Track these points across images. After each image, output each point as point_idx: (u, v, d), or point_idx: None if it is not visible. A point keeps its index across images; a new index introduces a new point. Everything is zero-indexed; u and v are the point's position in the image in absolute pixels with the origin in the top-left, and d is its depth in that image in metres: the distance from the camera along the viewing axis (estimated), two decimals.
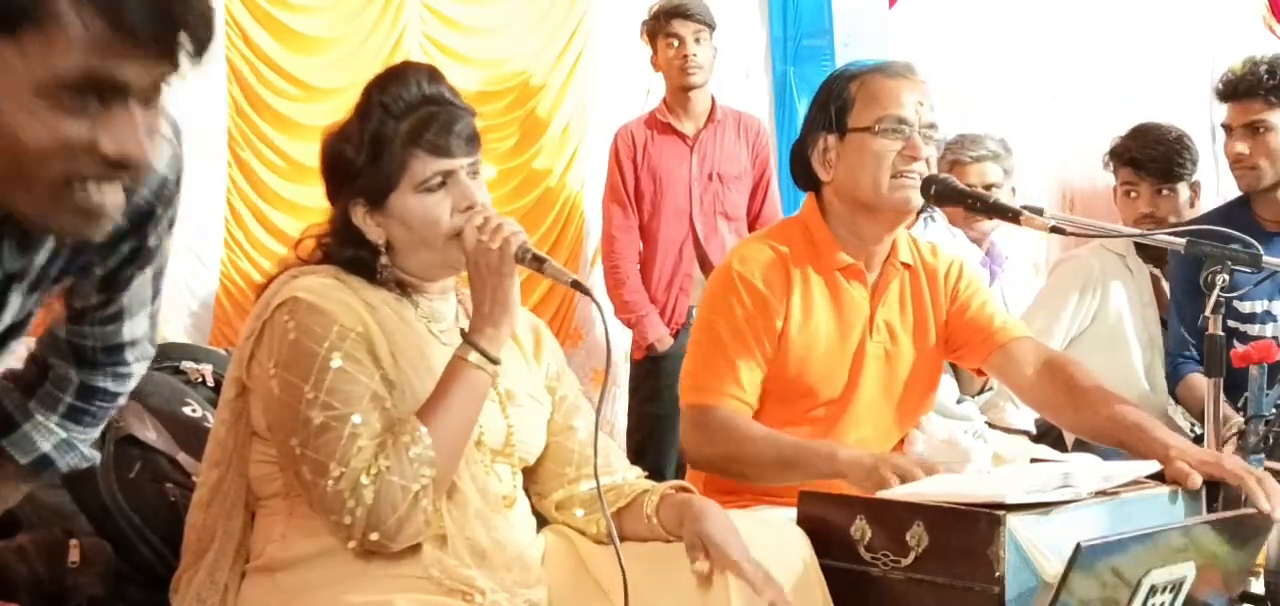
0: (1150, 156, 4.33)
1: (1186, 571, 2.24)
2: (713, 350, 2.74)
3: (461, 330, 2.20)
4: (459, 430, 2.15)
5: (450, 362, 2.17)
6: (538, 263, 2.21)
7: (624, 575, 2.13)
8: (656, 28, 4.90)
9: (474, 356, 2.16)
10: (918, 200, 2.75)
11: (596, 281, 5.33)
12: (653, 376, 4.82)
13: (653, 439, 4.82)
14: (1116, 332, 4.26)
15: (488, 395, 2.20)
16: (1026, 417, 4.28)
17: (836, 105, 2.78)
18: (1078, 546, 2.03)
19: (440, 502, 2.15)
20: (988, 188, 4.38)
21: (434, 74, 2.27)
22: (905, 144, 2.72)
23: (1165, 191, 4.33)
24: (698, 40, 4.85)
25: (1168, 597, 2.23)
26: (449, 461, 2.14)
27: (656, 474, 4.30)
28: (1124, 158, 4.40)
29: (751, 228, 4.95)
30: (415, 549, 2.14)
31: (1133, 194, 4.37)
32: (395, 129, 2.19)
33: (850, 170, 2.76)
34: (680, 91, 4.92)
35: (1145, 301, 4.30)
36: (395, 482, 2.08)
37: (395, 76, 2.25)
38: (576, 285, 2.26)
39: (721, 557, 2.12)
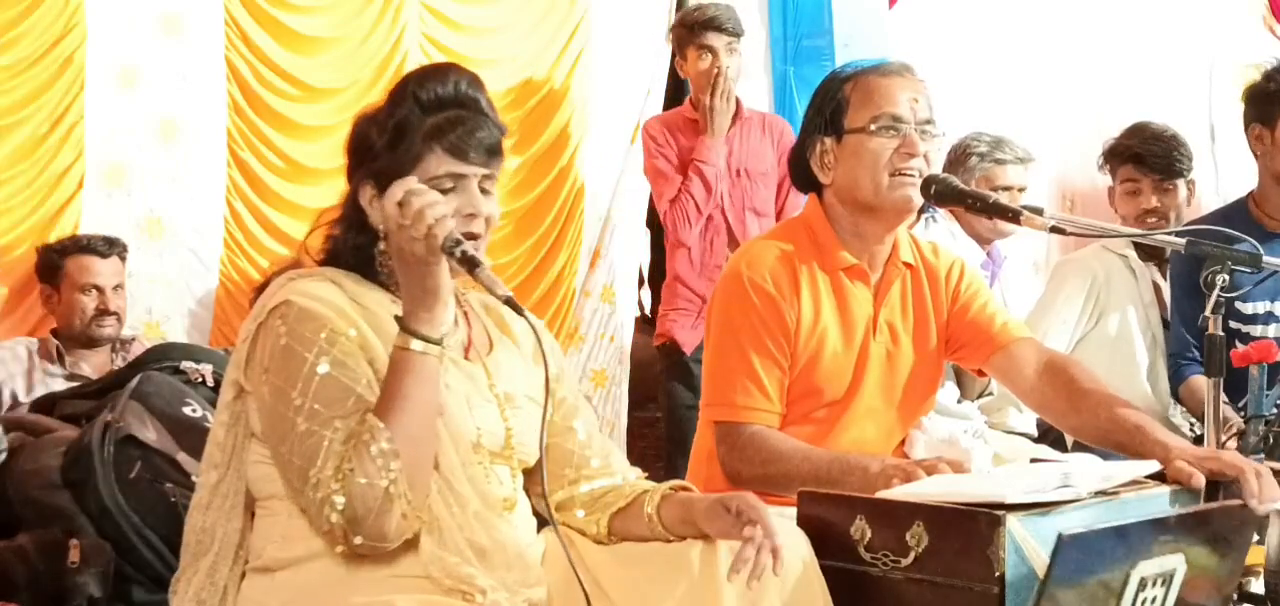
0: (1153, 152, 4.33)
1: (1176, 564, 2.24)
2: (735, 363, 2.73)
3: (397, 318, 2.14)
4: (419, 419, 2.11)
5: (393, 355, 2.13)
6: (469, 264, 2.11)
7: (583, 586, 2.14)
8: (688, 37, 4.89)
9: (416, 344, 2.12)
10: (918, 198, 2.74)
11: (597, 282, 5.33)
12: (683, 373, 4.81)
13: (689, 433, 4.81)
14: (1121, 335, 4.25)
15: (439, 375, 2.15)
16: (1029, 420, 4.27)
17: (831, 107, 2.78)
18: (1059, 537, 2.03)
19: (425, 496, 2.13)
20: (1022, 191, 4.38)
21: (475, 80, 2.26)
22: (902, 141, 2.71)
23: (1168, 187, 4.33)
24: (730, 51, 4.86)
25: (1160, 591, 2.23)
26: (417, 452, 2.11)
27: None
28: (1126, 155, 4.38)
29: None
30: (414, 547, 2.14)
31: (1135, 191, 4.36)
32: (420, 121, 2.20)
33: (849, 171, 2.76)
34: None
35: (1148, 302, 4.29)
36: (361, 483, 2.06)
37: (435, 72, 2.27)
38: (510, 303, 2.14)
39: (748, 510, 2.13)
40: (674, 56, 5.05)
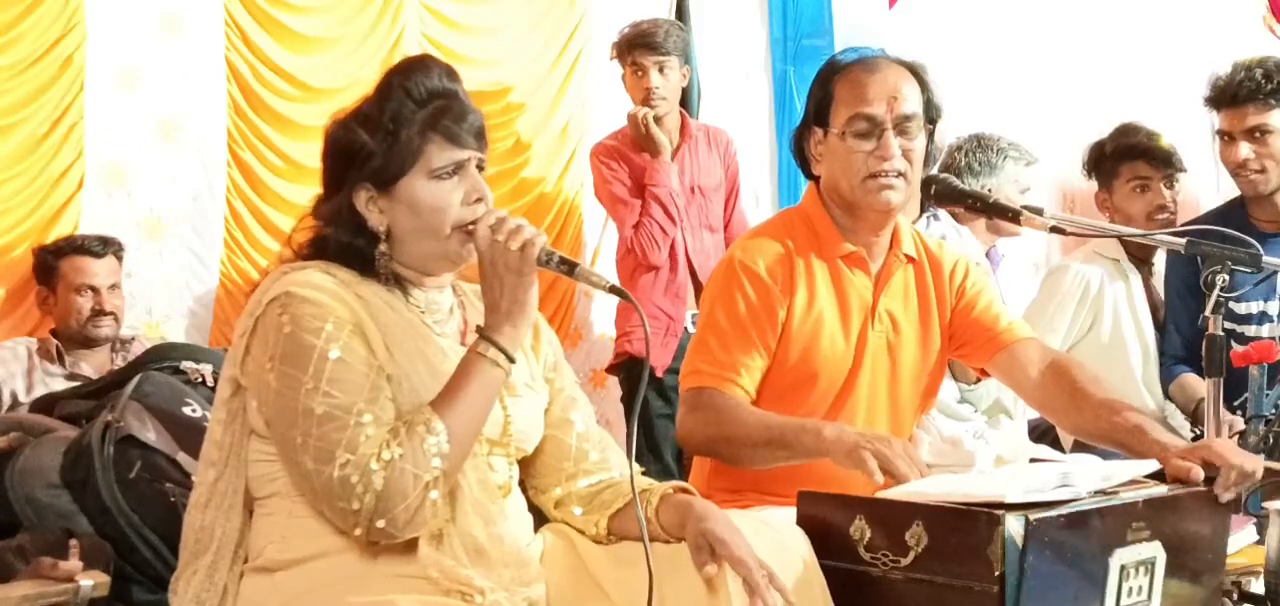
0: (1160, 148, 4.32)
1: (1153, 552, 2.25)
2: (714, 339, 2.74)
3: (478, 327, 2.20)
4: (472, 425, 2.16)
5: (466, 357, 2.17)
6: (567, 267, 2.20)
7: (651, 576, 2.13)
8: (622, 56, 4.85)
9: (492, 353, 2.16)
10: (897, 199, 2.74)
11: None
12: (653, 383, 4.78)
13: (661, 440, 4.80)
14: (1114, 340, 4.24)
15: (499, 392, 2.20)
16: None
17: (821, 99, 2.79)
18: (1026, 520, 2.05)
19: (445, 495, 2.14)
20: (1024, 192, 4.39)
21: (451, 71, 2.29)
22: (876, 146, 2.70)
23: (1174, 182, 4.32)
24: (662, 71, 4.78)
25: (1144, 581, 2.24)
26: (460, 455, 2.14)
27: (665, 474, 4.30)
28: (1133, 152, 4.35)
29: (726, 237, 4.93)
30: (412, 548, 2.14)
31: (1143, 187, 4.34)
32: (414, 113, 2.21)
33: (830, 169, 2.78)
34: None
35: (1138, 306, 4.28)
36: (408, 471, 2.08)
37: (417, 65, 2.28)
38: (615, 290, 2.25)
39: (729, 554, 2.13)
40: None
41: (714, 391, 2.70)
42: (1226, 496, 2.43)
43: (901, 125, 2.71)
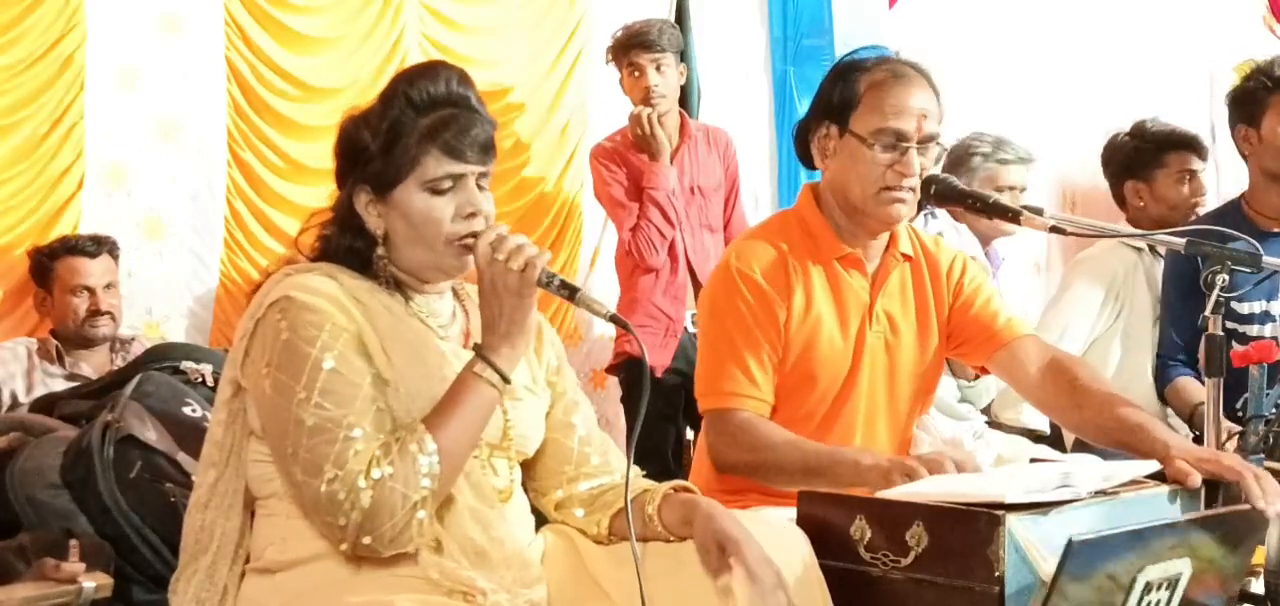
0: (1200, 141, 4.35)
1: (1181, 568, 2.24)
2: (724, 352, 2.74)
3: (475, 345, 2.19)
4: (464, 444, 2.15)
5: (461, 375, 2.16)
6: (568, 291, 2.17)
7: (641, 585, 2.13)
8: (618, 58, 4.84)
9: (488, 373, 2.15)
10: (907, 214, 2.75)
11: (595, 284, 5.32)
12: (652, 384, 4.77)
13: (661, 442, 4.79)
14: (1139, 332, 4.24)
15: (493, 412, 2.19)
16: (1041, 417, 4.26)
17: (843, 97, 2.77)
18: (1069, 542, 2.04)
19: (432, 514, 2.13)
20: (1022, 191, 4.39)
21: (464, 77, 2.26)
22: (899, 161, 2.71)
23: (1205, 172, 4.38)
24: (660, 69, 4.76)
25: (1164, 594, 2.23)
26: (451, 474, 2.14)
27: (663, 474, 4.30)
28: (1183, 143, 4.38)
29: (725, 237, 4.93)
30: (412, 553, 2.13)
31: (1189, 177, 4.38)
32: (414, 122, 2.20)
33: (842, 170, 2.77)
34: None
35: (1157, 298, 4.28)
36: (397, 490, 2.07)
37: (425, 71, 2.26)
38: (615, 320, 2.22)
39: (740, 556, 2.12)
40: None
41: (739, 413, 2.72)
42: (1275, 508, 2.40)
43: (924, 145, 2.72)
